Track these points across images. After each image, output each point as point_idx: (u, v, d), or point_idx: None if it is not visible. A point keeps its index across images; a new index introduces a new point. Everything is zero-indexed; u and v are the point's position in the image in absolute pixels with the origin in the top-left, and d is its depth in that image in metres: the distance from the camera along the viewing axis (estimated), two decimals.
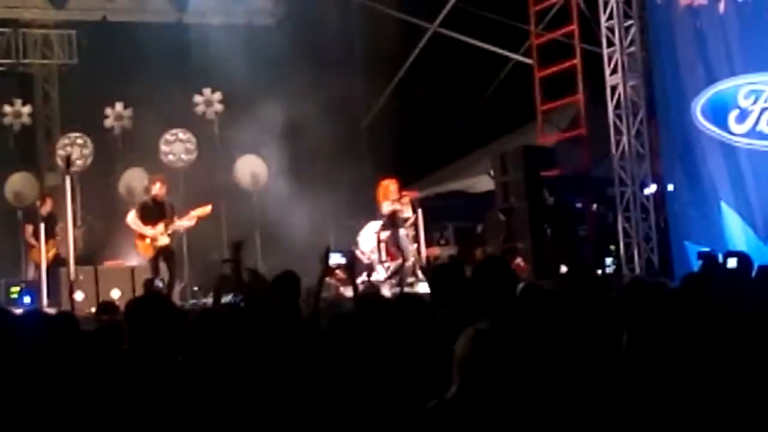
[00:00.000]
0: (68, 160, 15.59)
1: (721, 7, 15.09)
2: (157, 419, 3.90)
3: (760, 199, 14.75)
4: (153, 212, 15.06)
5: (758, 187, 14.78)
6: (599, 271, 15.49)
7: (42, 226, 15.36)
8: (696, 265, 12.54)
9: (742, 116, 14.98)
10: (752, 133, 14.90)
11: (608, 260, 16.83)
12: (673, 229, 15.79)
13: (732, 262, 9.21)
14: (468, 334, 3.81)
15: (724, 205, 14.95)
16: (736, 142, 14.99)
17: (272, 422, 4.14)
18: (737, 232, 14.72)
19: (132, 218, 15.11)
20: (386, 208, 16.02)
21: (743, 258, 9.36)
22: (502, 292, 5.18)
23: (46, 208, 16.04)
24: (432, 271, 6.47)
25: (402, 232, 16.15)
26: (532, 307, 5.37)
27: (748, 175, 14.85)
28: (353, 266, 15.21)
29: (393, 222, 16.04)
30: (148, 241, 15.00)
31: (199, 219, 15.38)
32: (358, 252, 16.55)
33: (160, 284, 14.62)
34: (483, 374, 3.56)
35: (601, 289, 6.55)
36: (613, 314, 5.21)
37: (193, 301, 15.84)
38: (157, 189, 15.21)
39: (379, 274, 16.34)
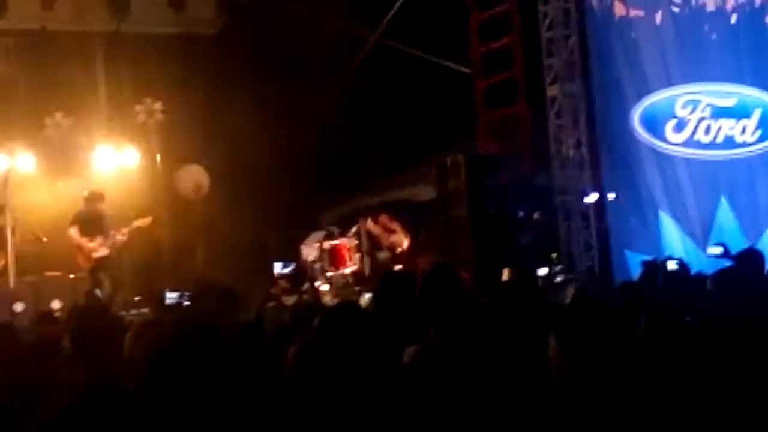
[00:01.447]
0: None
1: (658, 18, 15.30)
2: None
3: (699, 208, 14.96)
4: (91, 224, 15.01)
5: (697, 195, 14.99)
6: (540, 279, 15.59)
7: None
8: (635, 273, 12.69)
9: (680, 126, 15.19)
10: (690, 142, 15.12)
11: (557, 267, 16.91)
12: (613, 238, 15.94)
13: (672, 264, 9.33)
14: (414, 350, 3.77)
15: (662, 214, 15.14)
16: (673, 151, 15.19)
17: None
18: (675, 241, 14.91)
19: (72, 231, 15.07)
20: None
21: (681, 266, 9.49)
22: (449, 301, 5.19)
23: None
24: (377, 280, 6.49)
25: None
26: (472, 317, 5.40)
27: (686, 183, 15.06)
28: (298, 276, 15.23)
29: None
30: (87, 252, 14.94)
31: (139, 230, 15.34)
32: (301, 261, 16.56)
33: (100, 294, 14.54)
34: (431, 390, 3.51)
35: (538, 297, 6.59)
36: (547, 322, 5.22)
37: (134, 311, 15.72)
38: (96, 201, 15.17)
39: (322, 284, 16.36)
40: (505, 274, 14.63)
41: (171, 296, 8.86)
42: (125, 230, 15.19)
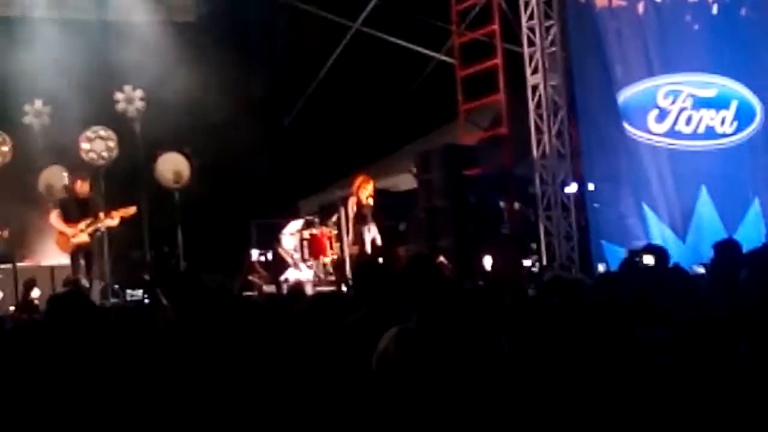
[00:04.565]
0: None
1: (640, 8, 15.34)
2: (77, 416, 3.86)
3: (679, 198, 15.03)
4: (75, 210, 14.98)
5: (677, 185, 15.06)
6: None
7: None
8: (612, 263, 12.73)
9: (662, 116, 15.25)
10: (671, 132, 15.18)
11: (536, 258, 16.91)
12: (592, 228, 15.97)
13: (648, 259, 9.28)
14: (391, 334, 3.79)
15: (644, 205, 15.19)
16: (656, 141, 15.24)
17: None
18: (655, 231, 14.96)
19: (54, 217, 15.05)
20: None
21: (661, 253, 9.45)
22: (429, 289, 5.23)
23: None
24: (354, 269, 6.49)
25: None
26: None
27: (667, 174, 15.12)
28: (278, 265, 15.18)
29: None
30: (67, 237, 14.94)
31: (123, 219, 15.33)
32: (280, 250, 16.53)
33: (86, 283, 14.48)
34: (407, 376, 3.51)
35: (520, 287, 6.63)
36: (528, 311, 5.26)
37: (114, 300, 15.67)
38: (79, 187, 15.13)
39: (302, 273, 16.32)
40: (487, 263, 14.67)
41: (133, 294, 8.76)
42: (108, 219, 15.16)
